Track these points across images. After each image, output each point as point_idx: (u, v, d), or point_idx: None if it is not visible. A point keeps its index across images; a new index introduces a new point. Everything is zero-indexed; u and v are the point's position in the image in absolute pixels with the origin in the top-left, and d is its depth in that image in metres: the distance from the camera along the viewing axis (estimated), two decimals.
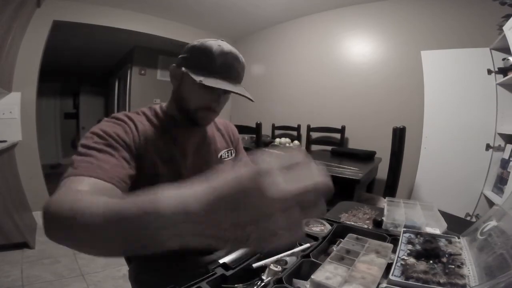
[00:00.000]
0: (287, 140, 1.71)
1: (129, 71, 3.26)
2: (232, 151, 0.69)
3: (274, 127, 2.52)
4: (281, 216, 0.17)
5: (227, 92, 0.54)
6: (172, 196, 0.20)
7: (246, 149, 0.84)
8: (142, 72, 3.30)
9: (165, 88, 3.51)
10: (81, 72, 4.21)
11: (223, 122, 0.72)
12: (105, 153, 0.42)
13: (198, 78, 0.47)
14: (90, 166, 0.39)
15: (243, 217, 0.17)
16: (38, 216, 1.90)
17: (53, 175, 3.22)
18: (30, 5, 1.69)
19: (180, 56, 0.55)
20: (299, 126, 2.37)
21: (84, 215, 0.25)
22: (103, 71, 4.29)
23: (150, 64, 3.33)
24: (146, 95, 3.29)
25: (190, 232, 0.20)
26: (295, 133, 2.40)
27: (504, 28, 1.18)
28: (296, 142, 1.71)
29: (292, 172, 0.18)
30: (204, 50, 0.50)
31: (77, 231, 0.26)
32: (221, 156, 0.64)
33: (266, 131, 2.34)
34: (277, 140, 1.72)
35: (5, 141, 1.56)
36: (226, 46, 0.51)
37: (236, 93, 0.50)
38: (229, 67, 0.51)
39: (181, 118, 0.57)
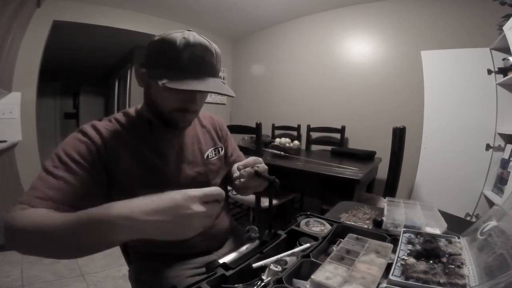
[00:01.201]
0: (287, 140, 1.71)
1: (129, 71, 3.27)
2: (220, 148, 0.64)
3: (274, 127, 2.52)
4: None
5: (201, 92, 0.46)
6: (121, 206, 0.31)
7: (247, 149, 0.84)
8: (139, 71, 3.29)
9: None
10: (81, 72, 4.22)
11: (208, 117, 0.67)
12: (60, 179, 0.41)
13: (161, 81, 0.40)
14: (43, 195, 0.39)
15: (173, 227, 0.31)
16: None
17: None
18: (30, 5, 1.69)
19: (144, 56, 0.48)
20: (299, 126, 2.37)
21: (46, 227, 0.32)
22: (103, 71, 4.29)
23: None
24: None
25: (135, 232, 0.30)
26: (295, 133, 2.40)
27: (504, 28, 1.18)
28: (296, 142, 1.71)
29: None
30: (167, 45, 0.43)
31: (40, 242, 0.32)
32: (207, 156, 0.60)
33: (266, 131, 2.34)
34: (277, 140, 1.72)
35: (5, 141, 1.57)
36: (194, 37, 0.44)
37: (212, 92, 0.43)
38: (199, 62, 0.44)
39: (157, 121, 0.51)
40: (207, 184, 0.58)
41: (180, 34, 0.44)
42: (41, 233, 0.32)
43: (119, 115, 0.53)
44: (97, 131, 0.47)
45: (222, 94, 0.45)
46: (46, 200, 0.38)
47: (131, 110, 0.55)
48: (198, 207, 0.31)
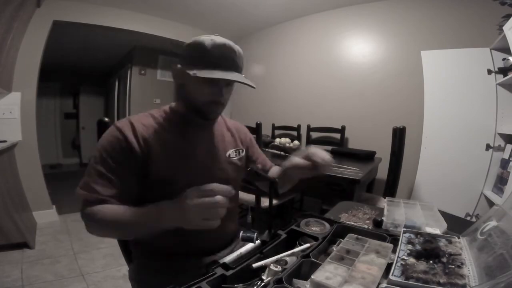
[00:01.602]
0: (287, 140, 1.71)
1: (129, 71, 3.26)
2: (241, 150, 0.69)
3: (274, 127, 2.53)
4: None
5: (228, 83, 0.55)
6: (162, 213, 0.46)
7: None
8: (142, 72, 3.29)
9: (165, 88, 3.51)
10: (81, 72, 4.21)
11: (234, 123, 0.73)
12: (106, 179, 0.50)
13: (191, 71, 0.49)
14: (102, 191, 0.50)
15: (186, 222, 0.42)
16: (38, 216, 1.90)
17: (53, 175, 3.21)
18: (30, 5, 1.69)
19: (180, 55, 0.56)
20: (299, 126, 2.37)
21: (120, 221, 0.48)
22: (103, 71, 4.29)
23: (150, 64, 3.33)
24: (146, 95, 3.29)
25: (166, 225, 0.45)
26: (295, 133, 2.40)
27: (504, 28, 1.18)
28: (296, 142, 1.71)
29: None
30: (197, 45, 0.51)
31: (107, 229, 0.51)
32: (229, 154, 0.65)
33: (266, 131, 2.34)
34: (277, 140, 1.72)
35: (5, 141, 1.56)
36: (219, 39, 0.52)
37: (234, 81, 0.52)
38: (224, 58, 0.52)
39: (190, 115, 0.58)
40: (226, 180, 0.60)
41: (207, 37, 0.52)
42: (115, 222, 0.48)
43: (154, 111, 0.60)
44: (131, 127, 0.53)
45: (244, 83, 0.52)
46: (114, 198, 0.50)
47: (166, 107, 0.61)
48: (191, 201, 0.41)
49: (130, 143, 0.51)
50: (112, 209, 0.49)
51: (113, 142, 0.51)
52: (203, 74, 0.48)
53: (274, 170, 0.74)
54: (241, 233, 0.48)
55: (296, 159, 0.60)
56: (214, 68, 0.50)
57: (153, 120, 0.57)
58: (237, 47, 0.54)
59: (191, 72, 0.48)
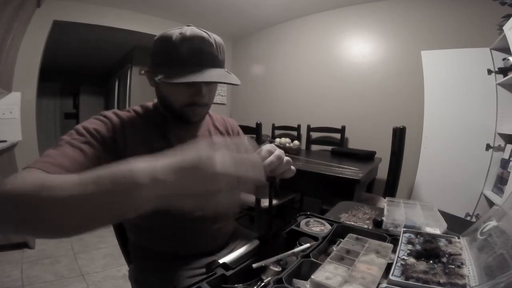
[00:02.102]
0: (287, 140, 1.71)
1: (129, 71, 3.27)
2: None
3: (274, 127, 2.53)
4: (224, 194, 0.25)
5: (205, 83, 0.46)
6: (144, 165, 0.24)
7: None
8: (142, 72, 3.30)
9: None
10: (81, 72, 4.22)
11: (220, 117, 0.68)
12: (76, 148, 0.40)
13: (157, 77, 0.42)
14: (55, 161, 0.36)
15: (199, 187, 0.24)
16: None
17: None
18: (30, 5, 1.69)
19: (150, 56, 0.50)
20: (299, 126, 2.37)
21: (53, 188, 0.23)
22: (103, 71, 4.29)
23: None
24: (146, 95, 3.28)
25: (158, 196, 0.23)
26: (295, 133, 2.40)
27: (504, 28, 1.18)
28: (296, 142, 1.71)
29: (240, 158, 0.26)
30: (164, 42, 0.44)
31: (43, 207, 0.23)
32: None
33: (266, 131, 2.34)
34: (277, 140, 1.72)
35: (5, 141, 1.57)
36: (191, 31, 0.44)
37: (213, 82, 0.44)
38: (196, 53, 0.43)
39: (170, 116, 0.53)
40: None
41: (178, 30, 0.45)
42: (46, 194, 0.23)
43: (137, 107, 0.55)
44: (116, 115, 0.49)
45: (223, 83, 0.44)
46: (57, 166, 0.34)
47: (149, 104, 0.56)
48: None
49: (113, 126, 0.46)
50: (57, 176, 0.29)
51: (95, 122, 0.46)
52: (169, 80, 0.41)
53: None
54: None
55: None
56: (185, 67, 0.43)
57: (135, 115, 0.52)
58: (214, 36, 0.46)
59: (156, 79, 0.42)
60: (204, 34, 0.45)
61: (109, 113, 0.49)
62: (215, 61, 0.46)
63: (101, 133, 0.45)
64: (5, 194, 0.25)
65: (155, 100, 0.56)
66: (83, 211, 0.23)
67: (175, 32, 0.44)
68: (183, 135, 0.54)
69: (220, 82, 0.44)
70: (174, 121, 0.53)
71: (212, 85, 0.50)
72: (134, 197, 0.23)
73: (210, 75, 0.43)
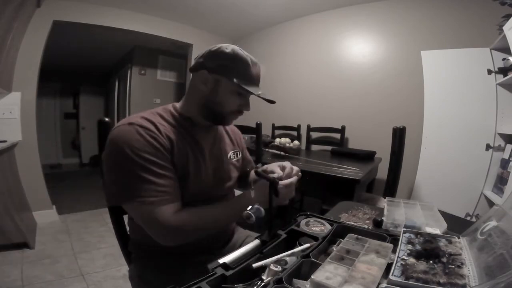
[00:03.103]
0: (287, 140, 1.71)
1: (129, 71, 3.26)
2: (238, 152, 0.72)
3: (274, 127, 2.52)
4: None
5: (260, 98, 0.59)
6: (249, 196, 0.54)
7: (248, 149, 0.86)
8: (142, 72, 3.30)
9: (165, 88, 3.50)
10: (81, 72, 4.21)
11: (230, 126, 0.75)
12: (164, 177, 0.49)
13: (255, 91, 0.55)
14: (163, 193, 0.49)
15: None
16: (38, 216, 1.90)
17: (53, 175, 3.22)
18: (30, 5, 1.69)
19: (211, 62, 0.55)
20: (299, 126, 2.37)
21: (206, 222, 0.53)
22: (103, 71, 4.29)
23: (150, 64, 3.33)
24: (146, 95, 3.29)
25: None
26: (295, 133, 2.40)
27: (504, 28, 1.18)
28: (296, 142, 1.71)
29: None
30: (241, 61, 0.55)
31: (200, 231, 0.53)
32: (230, 156, 0.68)
33: (266, 131, 2.34)
34: (277, 140, 1.72)
35: (5, 141, 1.57)
36: (253, 58, 0.57)
37: (271, 101, 0.59)
38: (258, 77, 0.59)
39: (199, 119, 0.59)
40: (228, 180, 0.66)
41: (241, 51, 0.56)
42: (203, 224, 0.52)
43: (160, 110, 0.58)
44: (154, 126, 0.52)
45: (268, 101, 0.59)
46: (170, 201, 0.49)
47: (170, 108, 0.60)
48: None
49: (158, 139, 0.50)
50: (200, 211, 0.52)
51: (141, 141, 0.48)
52: (250, 88, 0.54)
53: (252, 174, 0.75)
54: (249, 211, 0.46)
55: (272, 167, 0.59)
56: (251, 83, 0.56)
57: (163, 119, 0.56)
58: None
59: (256, 92, 0.54)
60: (258, 63, 0.59)
61: (147, 124, 0.51)
62: (259, 83, 0.60)
63: (159, 153, 0.50)
64: (197, 228, 0.52)
65: (176, 105, 0.61)
66: (223, 222, 0.58)
67: (243, 54, 0.56)
68: (207, 137, 0.62)
69: (268, 100, 0.59)
70: (200, 122, 0.60)
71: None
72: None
73: (264, 93, 0.58)
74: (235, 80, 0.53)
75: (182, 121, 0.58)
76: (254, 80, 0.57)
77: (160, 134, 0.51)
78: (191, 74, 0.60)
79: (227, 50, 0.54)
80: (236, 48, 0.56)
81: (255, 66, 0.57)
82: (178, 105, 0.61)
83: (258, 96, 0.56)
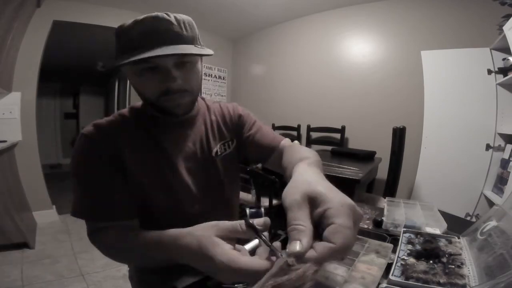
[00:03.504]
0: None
1: None
2: (230, 142, 0.56)
3: (274, 127, 2.53)
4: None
5: (178, 62, 0.42)
6: (182, 253, 0.33)
7: None
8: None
9: None
10: (81, 72, 4.21)
11: (217, 106, 0.59)
12: (95, 191, 0.44)
13: (115, 64, 0.39)
14: (104, 215, 0.45)
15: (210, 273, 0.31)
16: (38, 216, 1.90)
17: (53, 175, 3.20)
18: (30, 5, 1.69)
19: None
20: (299, 126, 2.37)
21: (126, 252, 0.43)
22: (103, 71, 4.29)
23: None
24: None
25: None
26: (295, 133, 2.40)
27: (504, 28, 1.18)
28: (296, 142, 1.71)
29: None
30: (118, 32, 0.42)
31: (120, 259, 0.49)
32: (216, 152, 0.54)
33: None
34: None
35: (5, 141, 1.56)
36: (146, 15, 0.41)
37: (165, 56, 0.38)
38: (152, 33, 0.39)
39: (156, 114, 0.48)
40: (219, 185, 0.54)
41: (135, 19, 0.42)
42: (126, 252, 0.43)
43: (125, 110, 0.51)
44: (103, 134, 0.45)
45: (183, 54, 0.40)
46: (108, 220, 0.45)
47: (138, 104, 0.52)
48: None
49: (101, 149, 0.44)
50: (121, 239, 0.42)
51: (86, 154, 0.44)
52: (122, 61, 0.38)
53: (287, 161, 0.46)
54: (247, 210, 0.46)
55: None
56: (139, 49, 0.38)
57: (122, 121, 0.48)
58: (175, 15, 0.43)
59: (114, 66, 0.39)
60: (160, 14, 0.41)
61: (91, 132, 0.44)
62: (179, 39, 0.41)
63: (100, 166, 0.44)
64: (113, 251, 0.45)
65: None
66: (142, 260, 0.46)
67: (126, 23, 0.41)
68: (174, 136, 0.50)
69: (181, 54, 0.39)
70: (161, 120, 0.49)
71: (185, 66, 0.43)
72: (169, 262, 0.36)
73: (164, 50, 0.38)
74: (116, 58, 0.41)
75: (142, 118, 0.49)
76: (142, 43, 0.39)
77: (105, 141, 0.44)
78: None
79: (116, 30, 0.43)
80: (125, 23, 0.42)
81: (140, 24, 0.40)
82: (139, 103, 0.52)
83: (141, 59, 0.37)
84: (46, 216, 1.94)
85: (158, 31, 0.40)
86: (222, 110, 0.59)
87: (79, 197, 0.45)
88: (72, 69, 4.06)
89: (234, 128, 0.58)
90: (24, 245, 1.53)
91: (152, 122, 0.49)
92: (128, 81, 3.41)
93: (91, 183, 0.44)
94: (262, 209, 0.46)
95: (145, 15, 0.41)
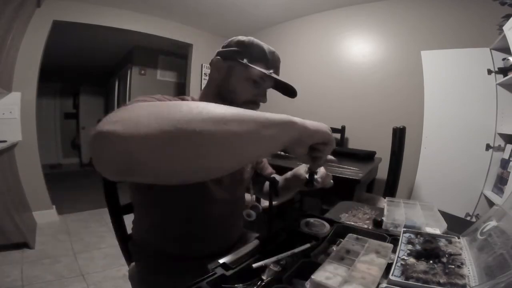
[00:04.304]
0: None
1: (129, 71, 3.27)
2: None
3: None
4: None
5: (266, 89, 0.56)
6: (296, 119, 0.33)
7: None
8: (142, 72, 3.30)
9: (165, 88, 3.50)
10: (81, 72, 4.21)
11: None
12: None
13: (268, 71, 0.51)
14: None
15: (317, 138, 0.36)
16: (38, 216, 1.90)
17: (53, 175, 3.21)
18: (30, 5, 1.69)
19: (225, 49, 0.56)
20: None
21: (230, 123, 0.22)
22: (103, 71, 4.29)
23: (150, 64, 3.33)
24: (147, 95, 3.28)
25: (294, 138, 0.32)
26: None
27: (504, 28, 1.18)
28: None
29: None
30: (258, 47, 0.54)
31: (225, 143, 0.22)
32: None
33: None
34: None
35: (5, 141, 1.57)
36: (271, 47, 0.56)
37: (290, 91, 0.55)
38: (276, 64, 0.56)
39: None
40: (241, 180, 0.63)
41: (261, 42, 0.56)
42: (227, 129, 0.22)
43: (177, 99, 0.56)
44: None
45: (287, 92, 0.56)
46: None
47: (188, 99, 0.57)
48: None
49: None
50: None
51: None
52: (261, 69, 0.50)
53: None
54: (250, 209, 0.48)
55: (299, 171, 0.61)
56: (266, 67, 0.53)
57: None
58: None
59: (267, 72, 0.51)
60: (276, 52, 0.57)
61: (160, 97, 0.49)
62: (278, 72, 0.57)
63: None
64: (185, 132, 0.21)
65: (195, 96, 0.59)
66: (252, 145, 0.26)
67: (259, 42, 0.55)
68: None
69: (289, 86, 0.55)
70: None
71: (265, 93, 0.58)
72: (289, 134, 0.31)
73: (281, 78, 0.54)
74: (245, 60, 0.52)
75: None
76: (269, 64, 0.54)
77: None
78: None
79: (243, 39, 0.55)
80: (254, 38, 0.55)
81: (272, 53, 0.55)
82: (196, 97, 0.59)
83: (270, 74, 0.52)
84: (46, 216, 1.94)
85: (277, 65, 0.57)
86: None
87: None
88: (72, 69, 4.06)
89: None
90: (24, 245, 1.53)
91: None
92: (128, 82, 3.42)
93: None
94: (260, 208, 0.48)
95: (273, 49, 0.57)
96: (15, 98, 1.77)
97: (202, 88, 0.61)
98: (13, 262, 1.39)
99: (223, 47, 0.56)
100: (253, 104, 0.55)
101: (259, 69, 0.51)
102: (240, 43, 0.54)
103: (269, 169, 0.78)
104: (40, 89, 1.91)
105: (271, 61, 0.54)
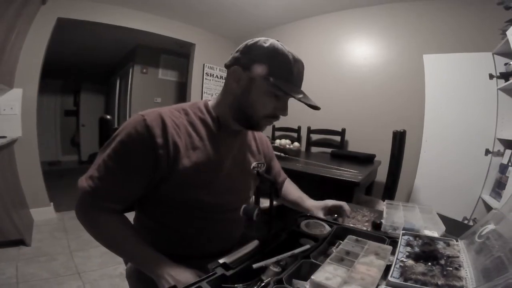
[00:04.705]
0: (287, 141, 1.71)
1: (130, 70, 3.27)
2: (262, 164, 0.65)
3: (274, 128, 2.53)
4: None
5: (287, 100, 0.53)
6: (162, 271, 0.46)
7: None
8: (144, 70, 3.30)
9: (166, 87, 3.51)
10: (83, 69, 4.22)
11: (258, 132, 0.69)
12: (116, 182, 0.48)
13: (295, 94, 0.47)
14: (108, 193, 0.48)
15: None
16: (35, 213, 1.89)
17: (52, 172, 3.19)
18: (35, 2, 1.69)
19: (244, 57, 0.50)
20: (299, 127, 2.38)
21: (117, 241, 0.53)
22: (105, 69, 4.29)
23: (152, 63, 3.33)
24: (148, 94, 3.29)
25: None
26: (295, 134, 2.40)
27: (507, 33, 1.18)
28: (296, 143, 1.72)
29: None
30: (281, 57, 0.48)
31: (97, 239, 0.53)
32: (253, 167, 0.62)
33: (266, 132, 2.33)
34: (277, 141, 1.72)
35: (5, 137, 1.56)
36: (295, 54, 0.51)
37: (315, 107, 0.52)
38: (300, 77, 0.52)
39: (229, 121, 0.53)
40: (247, 191, 0.62)
41: (282, 46, 0.50)
42: (112, 241, 0.52)
43: (187, 106, 0.54)
44: (163, 126, 0.47)
45: (312, 106, 0.51)
46: (109, 203, 0.49)
47: (200, 104, 0.55)
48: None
49: (157, 147, 0.45)
50: (115, 229, 0.50)
51: (137, 139, 0.45)
52: (289, 90, 0.46)
53: (289, 190, 0.78)
54: (243, 207, 0.48)
55: (318, 213, 0.66)
56: (293, 84, 0.49)
57: (186, 118, 0.51)
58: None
59: (297, 96, 0.47)
60: (301, 60, 0.52)
61: (154, 124, 0.46)
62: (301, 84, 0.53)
63: (143, 158, 0.46)
64: (98, 234, 0.53)
65: (208, 103, 0.56)
66: (122, 255, 0.58)
67: (285, 50, 0.49)
68: (232, 143, 0.56)
69: (315, 106, 0.52)
70: (230, 126, 0.54)
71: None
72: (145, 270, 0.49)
73: (306, 98, 0.50)
74: (271, 79, 0.46)
75: (209, 121, 0.52)
76: (295, 80, 0.49)
77: (163, 134, 0.46)
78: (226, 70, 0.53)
79: (265, 45, 0.48)
80: (276, 43, 0.49)
81: (297, 63, 0.50)
82: (210, 103, 0.55)
83: (299, 100, 0.47)
84: (43, 213, 1.93)
85: (301, 77, 0.53)
86: (262, 136, 0.72)
87: (99, 169, 0.47)
88: (74, 67, 4.06)
89: (268, 157, 0.71)
90: (20, 242, 1.52)
91: (217, 125, 0.54)
92: (129, 80, 3.42)
93: (119, 167, 0.46)
94: (256, 210, 0.47)
95: (298, 57, 0.52)
96: (16, 94, 1.77)
97: (218, 94, 0.56)
98: (9, 259, 1.38)
99: (240, 53, 0.50)
100: (273, 118, 0.52)
101: (285, 91, 0.46)
102: (262, 51, 0.48)
103: (282, 176, 0.79)
104: (41, 86, 1.91)
105: (297, 73, 0.50)
